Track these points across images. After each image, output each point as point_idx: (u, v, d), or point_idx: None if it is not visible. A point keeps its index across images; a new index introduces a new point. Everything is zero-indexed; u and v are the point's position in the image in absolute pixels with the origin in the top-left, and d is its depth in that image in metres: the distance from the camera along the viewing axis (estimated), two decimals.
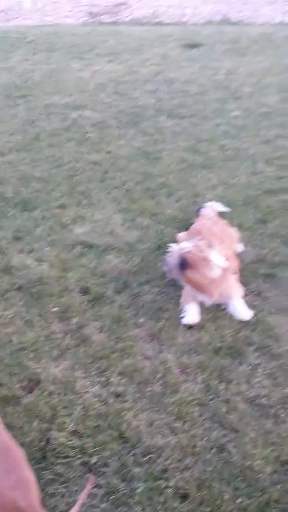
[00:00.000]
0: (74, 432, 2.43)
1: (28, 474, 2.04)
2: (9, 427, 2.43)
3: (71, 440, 2.38)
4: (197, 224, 3.59)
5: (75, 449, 2.34)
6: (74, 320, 3.15)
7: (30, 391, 2.69)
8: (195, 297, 3.19)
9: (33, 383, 2.73)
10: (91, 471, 2.26)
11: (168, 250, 3.24)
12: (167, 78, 7.84)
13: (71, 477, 2.23)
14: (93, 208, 4.39)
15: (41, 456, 2.33)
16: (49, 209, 4.39)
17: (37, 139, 5.78)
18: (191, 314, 3.11)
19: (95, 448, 2.34)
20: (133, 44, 10.00)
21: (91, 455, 2.31)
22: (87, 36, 10.89)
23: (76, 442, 2.37)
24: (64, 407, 2.56)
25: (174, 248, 3.19)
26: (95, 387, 2.67)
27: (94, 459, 2.30)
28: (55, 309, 3.25)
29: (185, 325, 3.06)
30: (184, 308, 3.17)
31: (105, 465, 2.28)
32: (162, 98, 6.97)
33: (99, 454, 2.31)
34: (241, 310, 3.12)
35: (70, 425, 2.46)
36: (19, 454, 2.11)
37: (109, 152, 5.43)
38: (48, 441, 2.39)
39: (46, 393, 2.64)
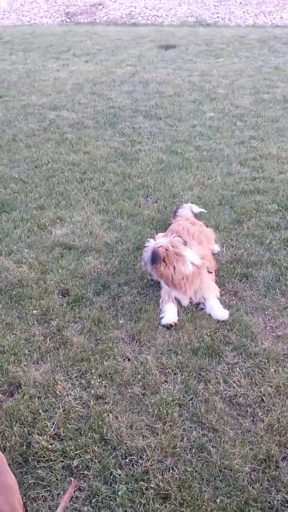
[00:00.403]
0: (55, 436, 2.39)
1: (10, 478, 2.00)
2: None
3: (52, 444, 2.34)
4: (174, 225, 3.58)
5: (57, 453, 2.31)
6: (54, 322, 3.10)
7: (11, 395, 2.64)
8: (172, 297, 3.18)
9: (13, 387, 2.68)
10: (72, 475, 2.23)
11: (145, 245, 3.24)
12: (143, 79, 7.81)
13: (53, 480, 2.20)
14: (72, 209, 4.34)
15: (22, 460, 2.29)
16: (27, 210, 4.32)
17: (14, 139, 5.69)
18: (169, 314, 3.10)
19: (76, 451, 2.31)
20: (110, 44, 9.92)
21: (72, 458, 2.28)
22: (64, 36, 10.76)
23: (57, 445, 2.34)
24: (45, 411, 2.52)
25: (150, 243, 3.18)
26: (75, 390, 2.64)
27: (75, 462, 2.26)
28: (35, 311, 3.19)
29: (164, 326, 3.04)
30: (163, 308, 3.15)
31: (87, 467, 2.25)
32: (139, 99, 6.94)
33: (81, 457, 2.28)
34: (218, 310, 3.12)
35: (51, 429, 2.42)
36: (2, 458, 2.06)
37: (87, 152, 5.37)
38: (29, 445, 2.35)
39: (26, 396, 2.59)
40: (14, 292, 3.36)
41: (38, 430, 2.41)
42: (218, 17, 12.44)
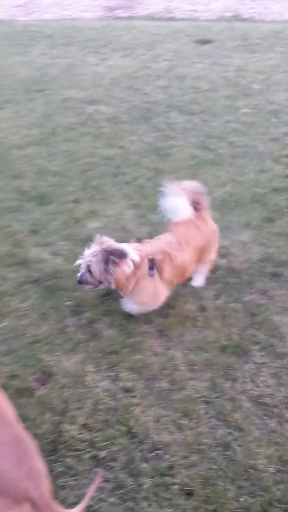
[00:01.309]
0: (85, 426, 2.39)
1: (40, 465, 2.00)
2: (22, 418, 2.38)
3: (81, 434, 2.34)
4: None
5: (85, 443, 2.30)
6: (86, 314, 3.09)
7: (43, 383, 2.65)
8: None
9: (46, 376, 2.69)
10: (100, 465, 2.22)
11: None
12: (179, 74, 7.63)
13: (80, 470, 2.20)
14: (106, 203, 4.30)
15: (52, 448, 2.29)
16: (63, 203, 4.31)
17: (53, 133, 5.67)
18: None
19: (104, 442, 2.30)
20: (147, 39, 9.74)
21: (100, 449, 2.27)
22: (103, 30, 10.63)
23: (86, 435, 2.33)
24: (75, 401, 2.52)
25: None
26: (104, 382, 2.62)
27: (103, 453, 2.26)
28: (68, 303, 3.19)
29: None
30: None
31: (114, 459, 2.24)
32: (174, 94, 6.79)
33: (108, 449, 2.27)
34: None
35: (81, 419, 2.41)
36: (32, 445, 2.07)
37: (121, 147, 5.31)
38: (59, 433, 2.35)
39: (58, 386, 2.60)
40: (49, 283, 3.36)
41: (68, 420, 2.41)
42: (254, 11, 12.03)
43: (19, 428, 2.10)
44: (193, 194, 2.97)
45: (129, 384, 2.59)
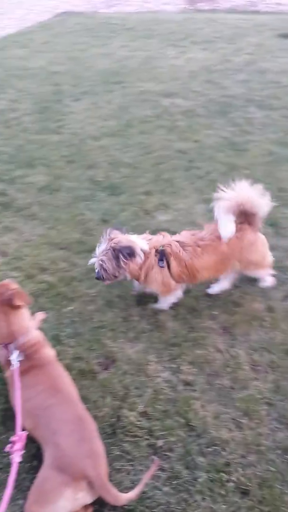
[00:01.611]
0: (144, 414, 2.44)
1: (99, 446, 2.09)
2: (84, 399, 2.50)
3: (140, 421, 2.40)
4: None
5: (143, 430, 2.36)
6: (151, 305, 3.14)
7: (106, 368, 2.74)
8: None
9: (109, 361, 2.78)
10: (156, 454, 2.26)
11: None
12: (260, 68, 7.47)
13: (137, 456, 2.25)
14: (176, 196, 4.32)
15: (111, 432, 2.37)
16: (134, 194, 4.39)
17: (129, 125, 5.78)
18: None
19: (162, 432, 2.34)
20: (228, 32, 9.62)
21: (157, 438, 2.32)
22: (184, 23, 10.63)
23: (144, 423, 2.39)
24: (136, 388, 2.58)
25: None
26: (166, 373, 2.66)
27: (160, 443, 2.30)
28: (134, 292, 3.26)
29: None
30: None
31: (170, 450, 2.27)
32: (253, 89, 6.66)
33: (166, 439, 2.31)
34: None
35: (140, 406, 2.47)
36: (93, 426, 2.16)
37: (196, 141, 5.30)
38: (118, 418, 2.42)
39: (120, 372, 2.67)
40: None
41: (128, 406, 2.47)
42: None
43: (82, 409, 2.20)
44: (243, 208, 2.80)
45: (190, 378, 2.61)
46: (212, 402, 2.47)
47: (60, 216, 4.15)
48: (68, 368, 2.70)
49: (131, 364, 2.72)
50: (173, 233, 3.80)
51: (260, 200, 2.80)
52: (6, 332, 2.35)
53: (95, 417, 2.41)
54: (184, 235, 2.96)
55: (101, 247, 2.88)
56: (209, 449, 2.25)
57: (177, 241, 2.90)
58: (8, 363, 2.31)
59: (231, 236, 2.78)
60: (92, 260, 2.93)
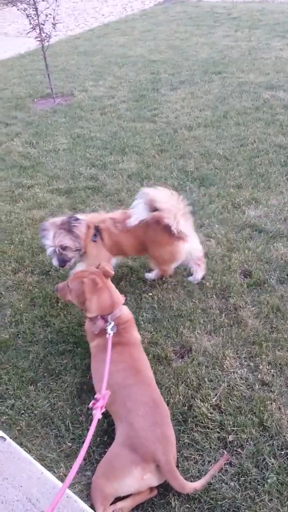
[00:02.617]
0: (216, 407, 2.46)
1: (171, 432, 2.16)
2: (158, 384, 2.58)
3: (212, 413, 2.42)
4: None
5: (215, 423, 2.38)
6: (232, 300, 3.14)
7: (182, 356, 2.80)
8: None
9: (185, 350, 2.83)
10: (226, 448, 2.28)
11: None
12: None
13: (206, 447, 2.29)
14: (270, 192, 4.25)
15: (182, 419, 2.42)
16: (225, 187, 4.38)
17: (225, 116, 5.76)
18: None
19: (233, 427, 2.35)
20: None
21: (228, 433, 2.33)
22: None
23: (216, 416, 2.41)
24: (210, 380, 2.61)
25: None
26: (242, 370, 2.66)
27: (231, 438, 2.31)
28: (208, 283, 3.27)
29: None
30: None
31: (241, 446, 2.28)
32: None
33: (237, 435, 2.32)
34: None
35: (214, 399, 2.50)
36: (167, 412, 2.23)
37: None
38: (190, 407, 2.47)
39: (195, 362, 2.72)
40: None
41: (200, 396, 2.51)
42: None
43: (158, 393, 2.29)
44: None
45: (268, 378, 2.59)
46: None
47: None
48: (145, 352, 2.80)
49: (207, 356, 2.76)
50: (261, 228, 3.78)
51: (166, 206, 2.94)
52: (109, 303, 2.54)
53: (167, 403, 2.48)
54: (118, 213, 3.25)
55: (49, 237, 3.05)
56: (282, 452, 2.22)
57: (111, 218, 3.17)
58: (101, 333, 2.47)
59: (134, 223, 3.01)
60: (49, 251, 3.11)
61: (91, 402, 2.11)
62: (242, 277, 3.36)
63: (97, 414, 2.02)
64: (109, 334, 2.43)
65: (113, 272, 2.65)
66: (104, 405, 2.07)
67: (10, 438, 2.25)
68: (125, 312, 2.59)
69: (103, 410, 2.06)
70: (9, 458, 2.09)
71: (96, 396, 2.12)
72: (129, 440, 2.09)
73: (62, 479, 2.11)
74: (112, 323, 2.48)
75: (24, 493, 1.96)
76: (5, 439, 2.18)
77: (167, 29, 10.25)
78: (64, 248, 3.05)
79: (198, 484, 2.07)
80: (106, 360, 2.27)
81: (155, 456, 2.02)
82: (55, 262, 3.14)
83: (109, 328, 2.46)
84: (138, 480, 2.03)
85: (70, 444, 2.35)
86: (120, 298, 2.62)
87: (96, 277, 2.53)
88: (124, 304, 2.78)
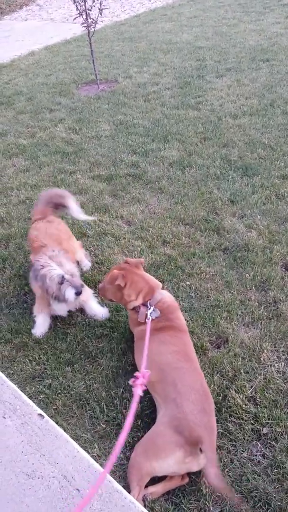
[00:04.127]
0: (251, 399, 2.46)
1: (215, 423, 2.17)
2: None
3: (246, 405, 2.42)
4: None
5: (249, 415, 2.38)
6: (272, 293, 3.10)
7: (218, 347, 2.80)
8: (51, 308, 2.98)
9: (221, 341, 2.83)
10: (260, 440, 2.28)
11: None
12: None
13: (239, 438, 2.29)
14: None
15: (216, 409, 2.41)
16: (269, 178, 4.31)
17: (272, 105, 5.64)
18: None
19: (268, 420, 2.34)
20: None
21: (263, 425, 2.33)
22: None
23: (251, 408, 2.41)
24: (246, 372, 2.60)
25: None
26: (280, 363, 2.64)
27: (265, 430, 2.31)
28: (247, 275, 3.24)
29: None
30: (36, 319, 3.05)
31: (275, 439, 2.27)
32: None
33: (272, 428, 2.31)
34: (98, 310, 3.06)
35: (249, 391, 2.49)
36: (213, 403, 2.24)
37: None
38: (225, 397, 2.48)
39: (231, 353, 2.71)
40: (239, 254, 3.46)
41: (236, 387, 2.51)
42: None
43: (206, 384, 2.30)
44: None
45: None
46: None
47: (188, 193, 4.25)
48: None
49: (244, 348, 2.75)
50: None
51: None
52: (147, 289, 2.60)
53: None
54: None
55: (53, 266, 2.73)
56: None
57: None
58: (145, 318, 2.53)
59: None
60: (59, 278, 2.73)
61: (131, 380, 2.13)
62: (284, 270, 3.31)
63: (138, 391, 2.03)
64: (149, 318, 2.48)
65: (142, 260, 2.74)
66: (145, 383, 2.09)
67: (47, 416, 2.33)
68: (166, 296, 2.62)
69: (144, 388, 2.08)
70: (47, 435, 2.16)
71: (136, 373, 2.14)
72: (175, 421, 2.09)
73: (95, 460, 2.17)
74: (152, 308, 2.53)
75: (60, 470, 2.03)
76: (43, 417, 2.25)
77: (214, 15, 10.08)
78: (73, 275, 2.77)
79: (226, 487, 2.01)
80: (145, 342, 2.30)
81: (200, 440, 2.02)
82: (72, 291, 2.72)
83: (149, 312, 2.51)
84: (180, 462, 2.05)
85: (104, 426, 2.41)
86: (158, 283, 2.67)
87: (126, 271, 2.64)
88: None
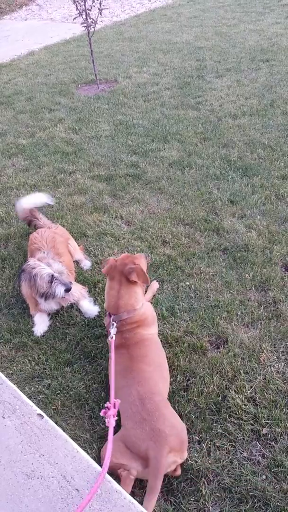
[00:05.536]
0: (251, 399, 2.46)
1: (163, 424, 2.10)
2: (192, 373, 2.61)
3: (246, 405, 2.42)
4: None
5: (249, 415, 2.38)
6: (271, 293, 3.11)
7: (217, 347, 2.80)
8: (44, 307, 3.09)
9: (220, 341, 2.83)
10: (259, 440, 2.28)
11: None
12: None
13: (239, 438, 2.29)
14: None
15: (215, 409, 2.43)
16: (269, 178, 4.31)
17: (272, 105, 5.64)
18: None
19: (268, 420, 2.34)
20: None
21: (262, 426, 2.33)
22: None
23: (251, 408, 2.41)
24: (246, 373, 2.60)
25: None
26: (280, 364, 2.64)
27: (264, 431, 2.31)
28: (247, 275, 3.24)
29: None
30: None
31: (275, 440, 2.27)
32: None
33: (271, 428, 2.31)
34: (87, 309, 3.12)
35: (249, 391, 2.49)
36: (156, 404, 2.19)
37: None
38: (225, 398, 2.48)
39: (231, 353, 2.72)
40: (238, 254, 3.46)
41: (235, 388, 2.51)
42: None
43: (150, 385, 2.30)
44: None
45: None
46: None
47: (187, 193, 4.26)
48: (179, 341, 2.83)
49: (243, 348, 2.75)
50: None
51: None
52: (113, 303, 2.57)
53: (201, 392, 2.50)
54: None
55: (43, 265, 2.91)
56: None
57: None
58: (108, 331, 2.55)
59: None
60: (48, 277, 2.90)
61: (102, 411, 2.15)
62: (283, 270, 3.31)
63: (112, 421, 2.06)
64: (112, 336, 2.51)
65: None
66: (115, 413, 2.11)
67: (47, 416, 2.33)
68: (137, 314, 2.60)
69: (115, 418, 2.10)
70: (46, 436, 2.16)
71: (106, 404, 2.16)
72: (122, 439, 2.14)
73: (95, 460, 2.17)
74: (114, 326, 2.55)
75: (59, 470, 2.03)
76: (42, 417, 2.25)
77: (214, 16, 10.09)
78: (61, 273, 2.95)
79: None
80: (111, 364, 2.37)
81: (148, 452, 2.03)
82: (61, 288, 2.89)
83: (112, 330, 2.53)
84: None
85: (103, 426, 2.41)
86: (132, 302, 2.59)
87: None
88: (158, 290, 2.81)
